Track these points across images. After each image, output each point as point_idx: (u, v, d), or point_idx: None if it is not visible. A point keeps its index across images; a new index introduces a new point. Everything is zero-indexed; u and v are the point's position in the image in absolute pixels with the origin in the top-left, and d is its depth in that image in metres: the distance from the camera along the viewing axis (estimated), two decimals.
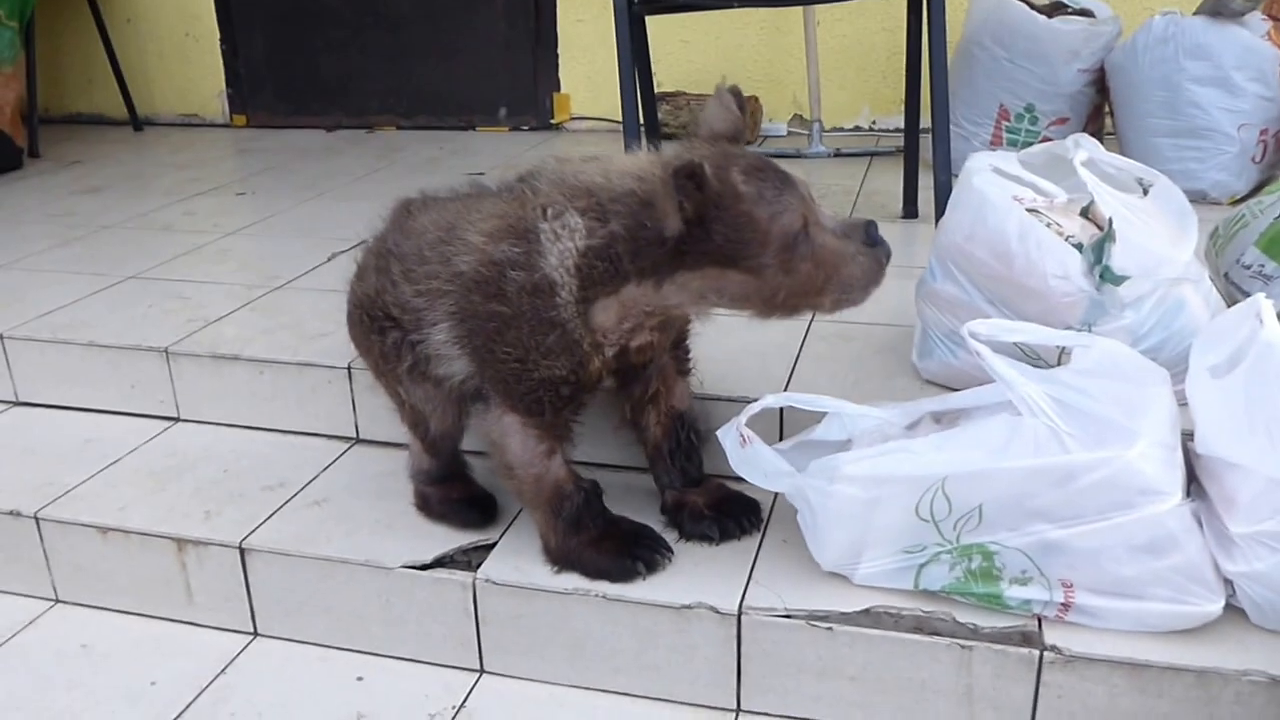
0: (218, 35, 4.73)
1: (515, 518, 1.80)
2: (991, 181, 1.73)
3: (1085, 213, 1.69)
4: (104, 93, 4.83)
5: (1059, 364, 1.58)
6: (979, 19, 3.25)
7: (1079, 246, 1.61)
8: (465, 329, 1.54)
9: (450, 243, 1.55)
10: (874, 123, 4.07)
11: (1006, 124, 3.21)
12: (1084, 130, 3.19)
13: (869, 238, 1.45)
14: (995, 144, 3.23)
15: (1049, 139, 3.07)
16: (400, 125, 4.59)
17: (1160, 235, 1.63)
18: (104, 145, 4.47)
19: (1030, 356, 1.62)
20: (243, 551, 1.80)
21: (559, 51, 4.35)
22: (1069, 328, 1.60)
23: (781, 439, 1.79)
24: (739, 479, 1.65)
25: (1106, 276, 1.57)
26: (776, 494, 1.80)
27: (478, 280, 1.50)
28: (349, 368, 2.09)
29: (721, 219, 1.38)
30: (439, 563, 1.73)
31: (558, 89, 4.38)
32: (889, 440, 1.57)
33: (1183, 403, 1.49)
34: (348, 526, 1.84)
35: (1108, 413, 1.38)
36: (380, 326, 1.68)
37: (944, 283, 1.80)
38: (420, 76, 4.53)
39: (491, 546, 1.75)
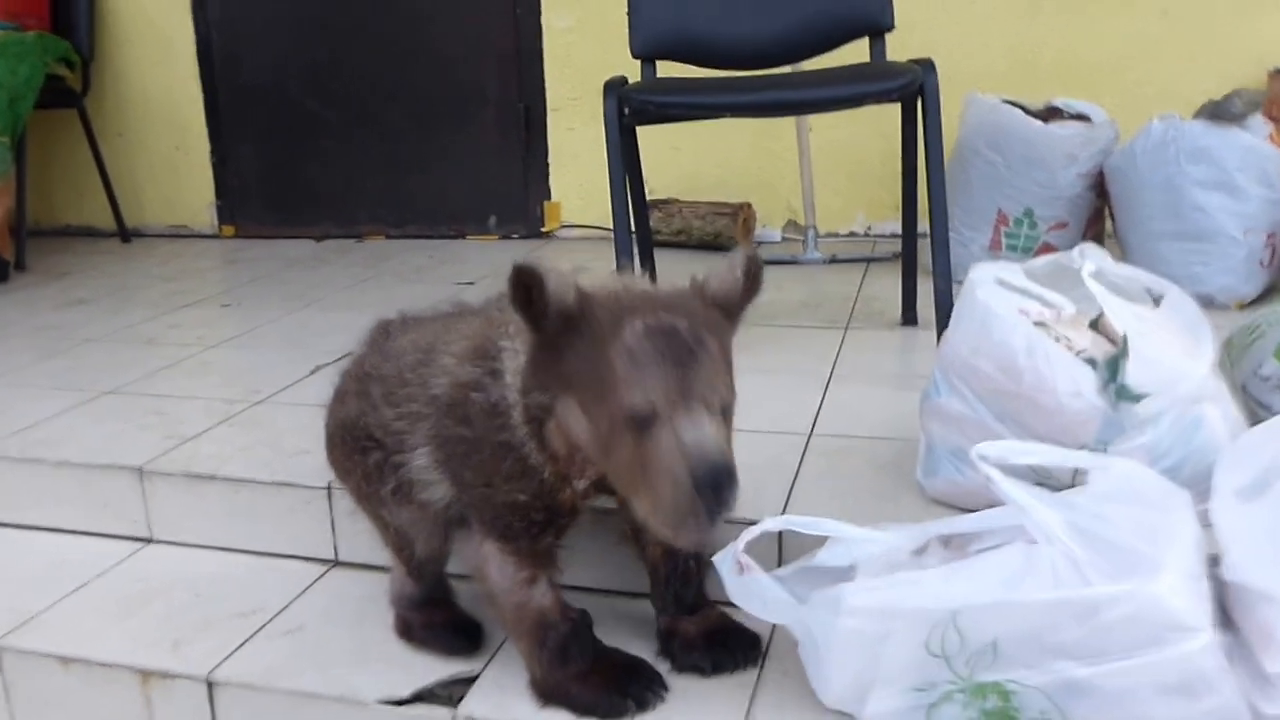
0: (208, 148, 4.70)
1: (501, 645, 1.70)
2: (996, 294, 1.66)
3: (1095, 325, 1.61)
4: (93, 205, 4.79)
5: (1074, 485, 1.49)
6: (973, 125, 3.21)
7: (1091, 362, 1.53)
8: (443, 453, 1.49)
9: (428, 364, 1.52)
10: (869, 228, 4.02)
11: (1005, 229, 3.15)
12: (1084, 233, 3.15)
13: (706, 490, 1.21)
14: (994, 249, 3.17)
15: (1049, 243, 3.05)
16: (389, 234, 4.53)
17: (1175, 348, 1.55)
18: (92, 256, 4.42)
19: (1042, 478, 1.53)
20: (210, 685, 1.70)
21: (549, 160, 4.31)
22: (1083, 447, 1.52)
23: (781, 564, 1.70)
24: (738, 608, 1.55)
25: (1123, 395, 1.49)
26: (775, 625, 1.70)
27: (449, 404, 1.46)
28: (328, 487, 2.01)
29: (573, 344, 1.30)
30: (418, 698, 1.62)
31: (548, 197, 4.34)
32: (895, 568, 1.47)
33: (1205, 524, 1.39)
34: (322, 657, 1.73)
35: (1129, 540, 1.29)
36: (363, 447, 1.62)
37: (949, 398, 1.72)
38: (410, 186, 4.49)
39: (474, 679, 1.65)
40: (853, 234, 4.04)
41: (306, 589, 1.96)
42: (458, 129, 4.39)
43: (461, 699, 1.60)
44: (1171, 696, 1.26)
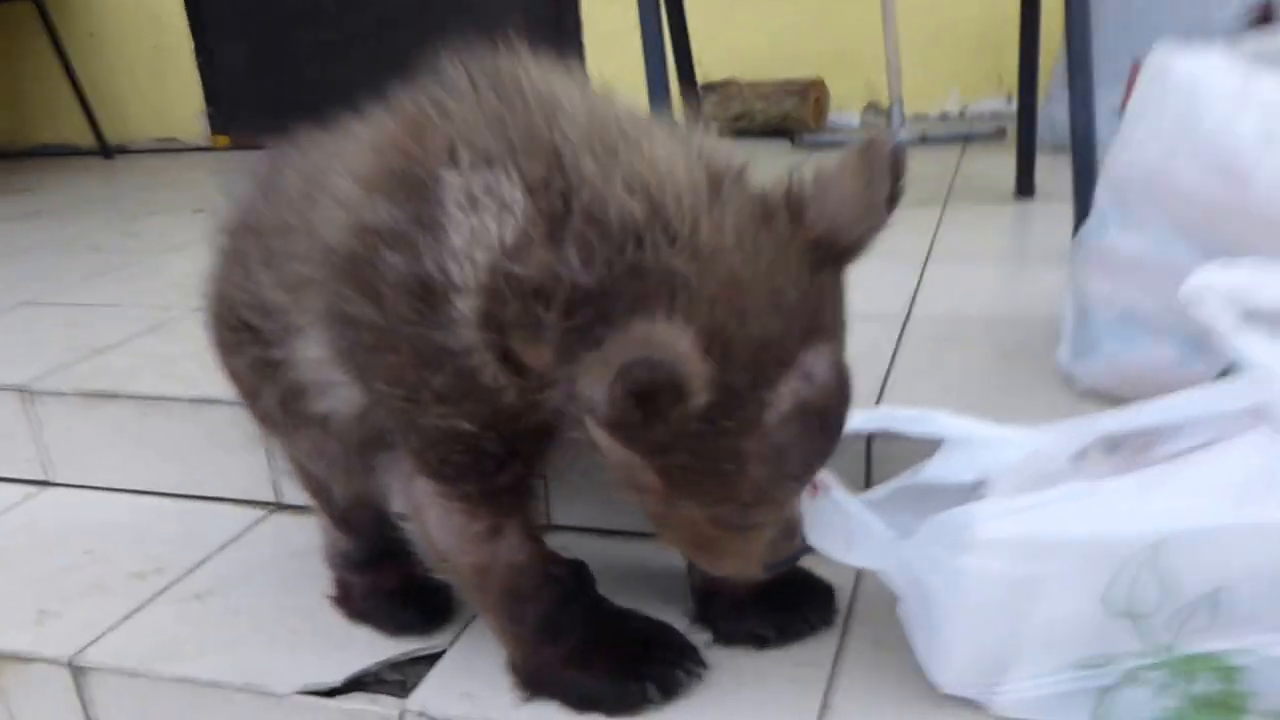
0: (191, 45, 4.29)
1: (476, 615, 1.28)
2: (1204, 72, 1.19)
3: None
4: (70, 120, 4.42)
5: None
6: None
7: None
8: (344, 341, 1.01)
9: (314, 196, 1.02)
10: (964, 108, 3.54)
11: None
12: None
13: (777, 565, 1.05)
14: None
15: None
16: None
17: None
18: (64, 174, 4.06)
19: None
20: (75, 670, 1.29)
21: (584, 40, 3.86)
22: None
23: (869, 485, 1.27)
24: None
25: None
26: (861, 572, 1.27)
27: (347, 260, 0.96)
28: None
29: (695, 435, 0.85)
30: (356, 684, 1.21)
31: None
32: (1048, 481, 1.01)
33: None
34: (234, 631, 1.33)
35: None
36: (239, 340, 1.17)
37: (1122, 233, 1.25)
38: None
39: (438, 657, 1.23)
40: (945, 115, 3.56)
41: (233, 540, 1.55)
42: (477, 9, 3.93)
43: (417, 685, 1.19)
44: None
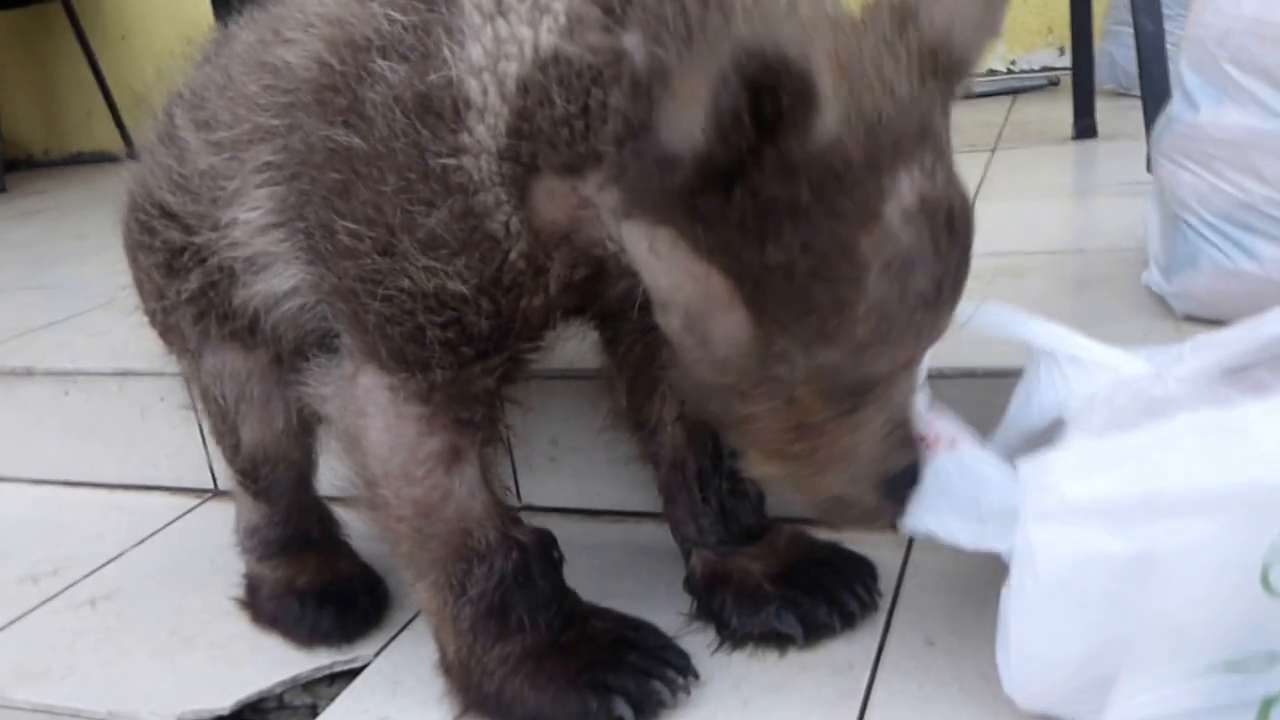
0: None
1: (412, 620, 0.99)
2: None
3: None
4: (104, 127, 4.14)
5: None
6: None
7: None
8: (297, 193, 0.80)
9: (279, 37, 0.84)
10: (1013, 64, 3.18)
11: None
12: None
13: (894, 496, 0.76)
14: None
15: None
16: None
17: None
18: (89, 179, 3.78)
19: None
20: None
21: None
22: None
23: None
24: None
25: None
26: (911, 546, 0.97)
27: (323, 85, 0.77)
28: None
29: (803, 214, 0.64)
30: (252, 708, 0.93)
31: None
32: (1155, 412, 0.69)
33: None
34: (119, 643, 1.05)
35: None
36: (150, 230, 0.97)
37: (1219, 109, 0.93)
38: None
39: (357, 673, 0.93)
40: (992, 72, 3.20)
41: (155, 533, 1.27)
42: None
43: (325, 709, 0.89)
44: None
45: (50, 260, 2.20)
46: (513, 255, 0.75)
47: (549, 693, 0.80)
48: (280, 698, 0.92)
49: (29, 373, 1.39)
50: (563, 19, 0.70)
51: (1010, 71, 3.19)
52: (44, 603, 1.12)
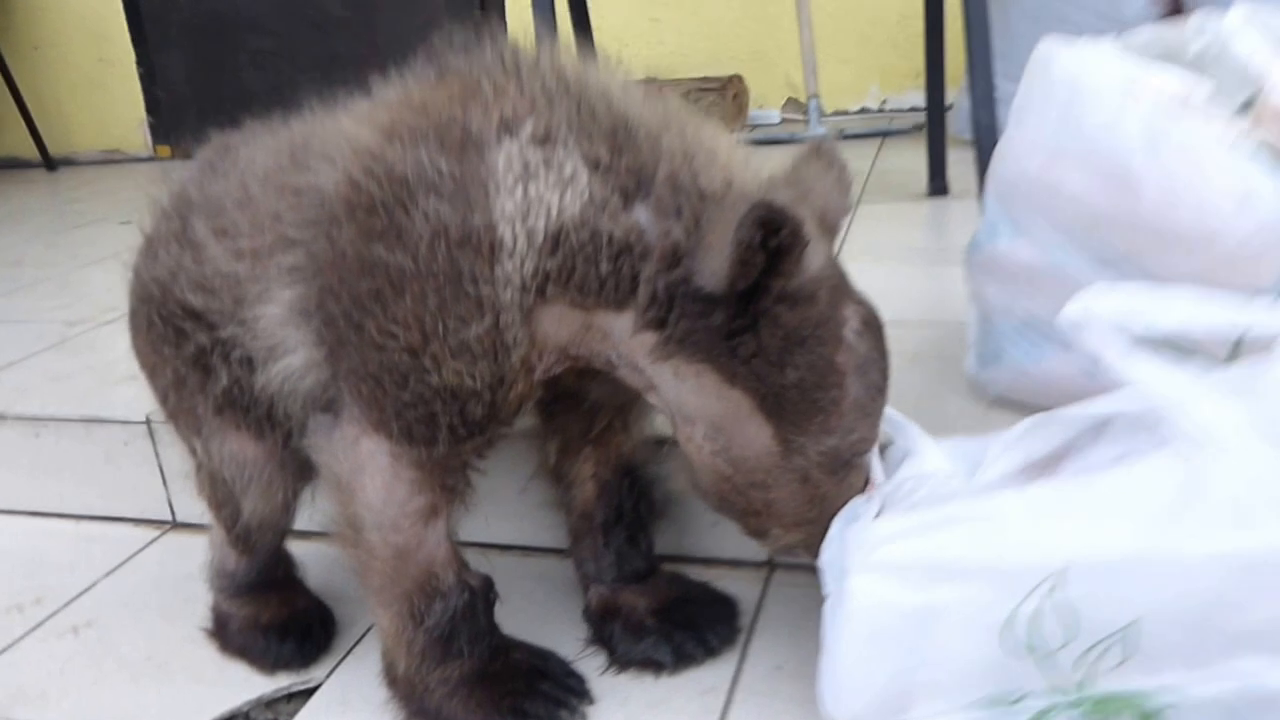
0: (133, 58, 4.08)
1: (360, 640, 1.16)
2: (1088, 64, 1.05)
3: (1249, 106, 1.00)
4: (15, 133, 4.19)
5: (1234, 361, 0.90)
6: None
7: (1264, 153, 0.93)
8: (318, 290, 0.93)
9: (303, 164, 0.96)
10: (884, 102, 3.40)
11: None
12: None
13: None
14: None
15: None
16: None
17: None
18: (4, 186, 3.84)
19: (1182, 351, 0.93)
20: None
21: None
22: (1255, 293, 0.91)
23: None
24: (707, 562, 1.15)
25: None
26: (768, 582, 1.17)
27: (357, 205, 0.89)
28: (148, 421, 1.43)
29: (807, 342, 0.87)
30: None
31: None
32: (947, 499, 0.88)
33: None
34: (103, 668, 1.19)
35: None
36: (177, 330, 1.07)
37: (1013, 241, 1.12)
38: (359, 84, 3.86)
39: (312, 692, 1.10)
40: (865, 110, 3.42)
41: (123, 563, 1.41)
42: (404, 16, 3.76)
43: None
44: None
45: None
46: (514, 359, 0.90)
47: (478, 715, 0.98)
48: (247, 714, 1.09)
49: (2, 417, 1.53)
50: (585, 194, 0.86)
51: (882, 110, 3.40)
52: (32, 630, 1.26)
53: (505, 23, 3.59)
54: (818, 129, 3.05)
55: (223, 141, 1.12)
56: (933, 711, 0.84)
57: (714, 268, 0.81)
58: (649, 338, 0.87)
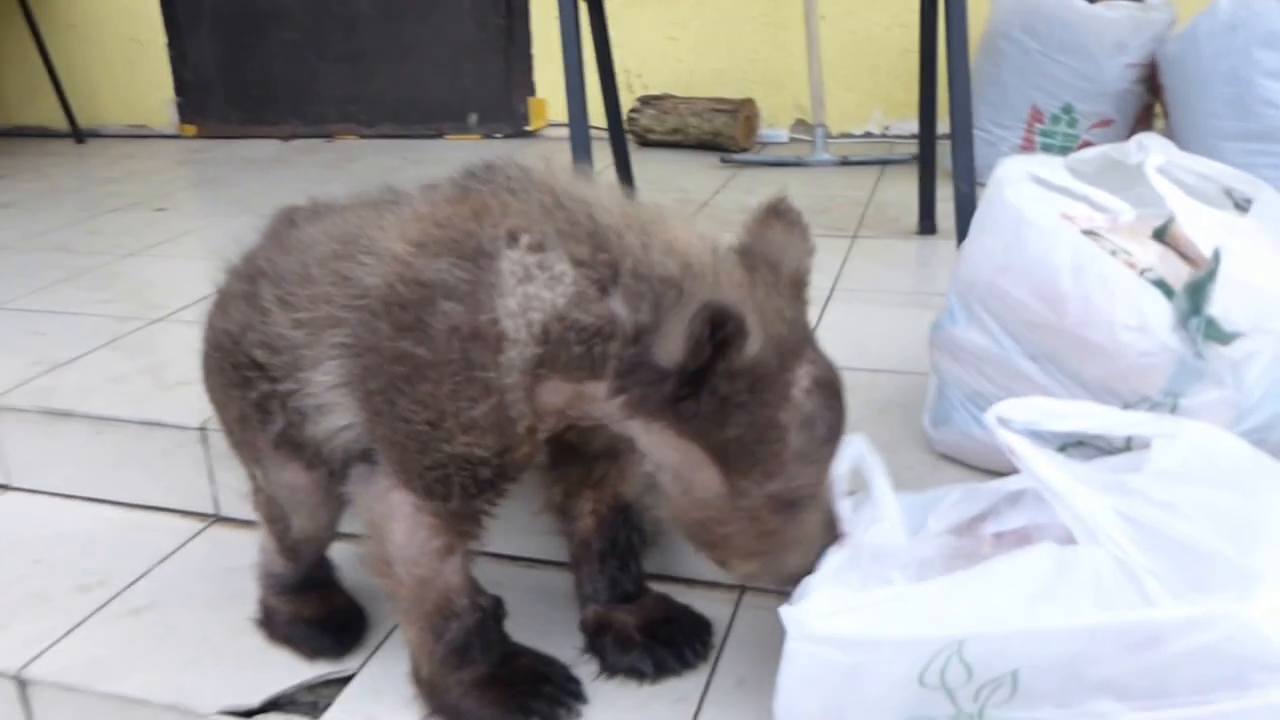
0: (165, 40, 4.28)
1: (388, 636, 1.37)
2: (1031, 195, 1.26)
3: (1161, 236, 1.21)
4: (46, 103, 4.39)
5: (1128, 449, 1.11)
6: (1007, 7, 2.80)
7: (1161, 285, 1.14)
8: (360, 366, 1.13)
9: (351, 255, 1.15)
10: (887, 128, 3.60)
11: (1040, 127, 2.75)
12: (1131, 133, 2.70)
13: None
14: (1027, 149, 2.78)
15: (1090, 144, 2.62)
16: (362, 134, 4.13)
17: (1274, 268, 1.15)
18: (37, 159, 4.04)
19: (1090, 442, 1.14)
20: (22, 683, 1.35)
21: (533, 52, 3.89)
22: (1145, 401, 1.13)
23: None
24: (689, 583, 1.34)
25: (1211, 333, 1.09)
26: (738, 607, 1.38)
27: (391, 303, 1.09)
28: (203, 429, 1.64)
29: (745, 405, 1.03)
30: (273, 705, 1.28)
31: (532, 93, 3.92)
32: (880, 558, 1.10)
33: None
34: (165, 648, 1.39)
35: (1208, 540, 0.92)
36: (244, 377, 1.26)
37: (967, 329, 1.33)
38: (381, 80, 4.08)
39: (348, 680, 1.31)
40: (868, 134, 3.62)
41: (173, 552, 1.61)
42: (431, 18, 3.96)
43: (328, 707, 1.26)
44: None
45: (41, 278, 2.48)
46: (519, 428, 1.10)
47: (490, 711, 1.18)
48: (292, 697, 1.30)
49: (69, 414, 1.73)
50: (572, 290, 1.04)
51: (885, 135, 3.59)
52: (97, 610, 1.46)
53: (529, 28, 3.79)
54: (823, 153, 3.25)
55: (288, 214, 1.32)
56: None
57: (670, 350, 0.99)
58: (619, 400, 1.06)
